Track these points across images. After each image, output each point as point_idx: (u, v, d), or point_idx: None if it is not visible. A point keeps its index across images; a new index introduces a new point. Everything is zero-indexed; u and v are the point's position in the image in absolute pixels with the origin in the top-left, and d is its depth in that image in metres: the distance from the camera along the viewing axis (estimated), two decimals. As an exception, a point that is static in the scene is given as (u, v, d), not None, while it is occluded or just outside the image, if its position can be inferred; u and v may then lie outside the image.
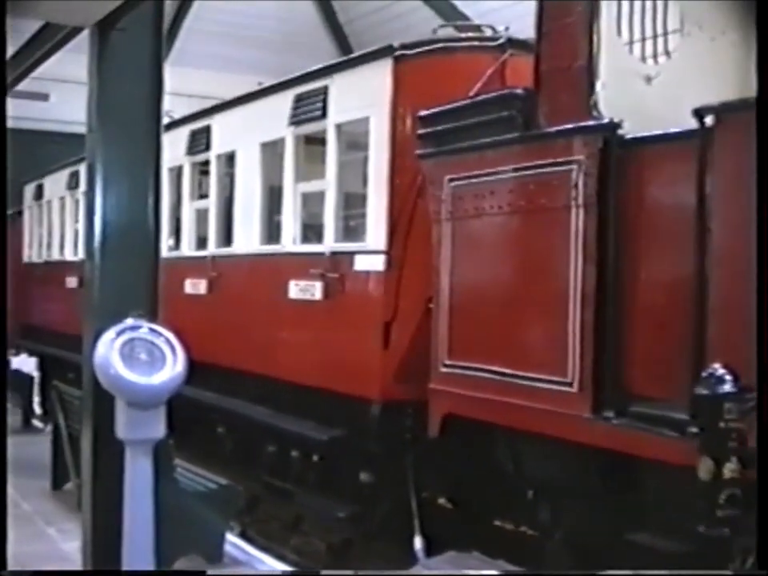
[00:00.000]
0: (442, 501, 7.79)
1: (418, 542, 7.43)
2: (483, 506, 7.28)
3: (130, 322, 5.75)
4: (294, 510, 8.89)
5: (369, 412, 7.38)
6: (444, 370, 6.54)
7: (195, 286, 10.22)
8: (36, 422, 13.64)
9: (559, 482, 6.06)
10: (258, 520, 9.13)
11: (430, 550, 7.44)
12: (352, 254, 7.74)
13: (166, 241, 10.12)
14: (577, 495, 5.96)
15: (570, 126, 5.63)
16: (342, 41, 23.39)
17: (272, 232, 9.17)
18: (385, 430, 7.34)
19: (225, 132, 10.02)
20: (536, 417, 5.73)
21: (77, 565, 6.79)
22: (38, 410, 13.91)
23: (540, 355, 5.82)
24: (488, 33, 8.10)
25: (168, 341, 5.69)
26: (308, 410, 8.23)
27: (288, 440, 8.53)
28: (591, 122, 5.53)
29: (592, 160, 5.44)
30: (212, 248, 10.10)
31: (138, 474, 5.73)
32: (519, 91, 6.20)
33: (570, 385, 5.49)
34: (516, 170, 6.03)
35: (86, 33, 6.67)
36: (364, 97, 7.76)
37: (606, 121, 5.46)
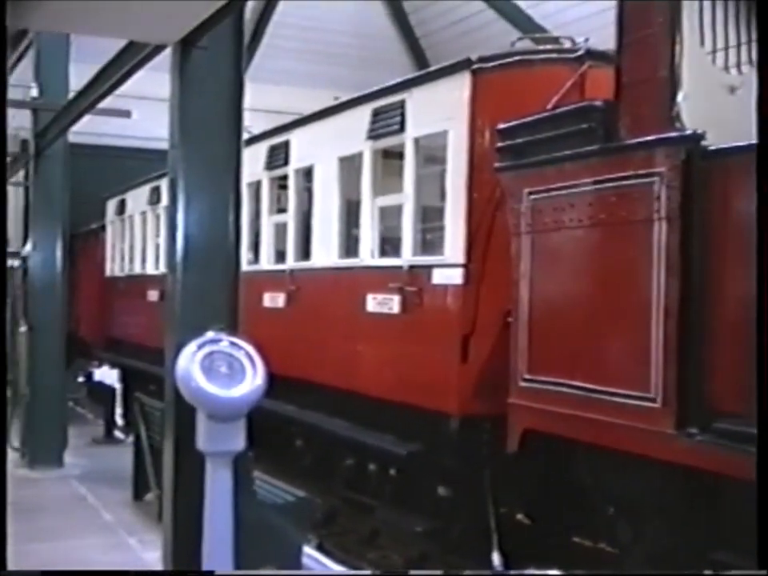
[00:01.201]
0: (520, 516, 7.72)
1: (496, 558, 7.37)
2: (562, 522, 7.19)
3: (210, 335, 5.81)
4: (371, 524, 8.89)
5: (447, 426, 7.36)
6: (523, 384, 6.48)
7: (274, 299, 10.30)
8: (118, 433, 13.86)
9: (640, 499, 5.96)
10: (335, 533, 9.14)
11: (508, 565, 7.37)
12: (430, 267, 7.73)
13: (245, 255, 10.22)
14: (658, 513, 5.86)
15: (651, 137, 5.55)
16: (418, 55, 23.44)
17: (350, 246, 9.21)
18: (463, 444, 7.31)
19: (303, 147, 10.10)
20: (617, 432, 5.65)
21: None
22: (119, 421, 14.12)
23: (622, 370, 5.74)
24: (567, 45, 8.05)
25: (248, 354, 5.74)
26: (385, 423, 8.22)
27: (366, 453, 8.54)
28: (674, 134, 5.45)
29: (675, 172, 5.36)
30: (290, 262, 10.18)
31: (217, 485, 5.78)
32: (599, 103, 6.14)
33: (653, 400, 5.40)
34: (596, 182, 5.96)
35: (167, 51, 6.80)
36: (442, 110, 7.76)
37: (688, 132, 5.37)
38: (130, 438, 11.33)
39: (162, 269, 13.67)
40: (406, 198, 8.14)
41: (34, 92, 12.03)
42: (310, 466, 9.88)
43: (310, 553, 7.77)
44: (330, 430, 9.03)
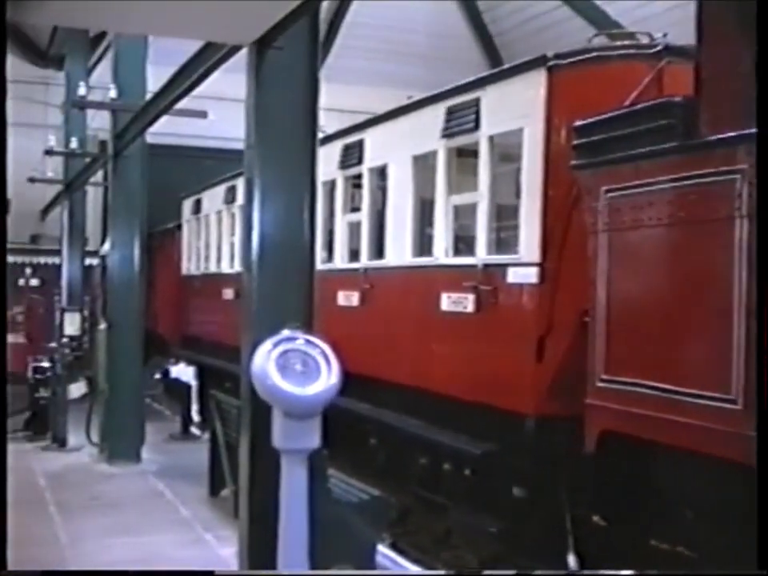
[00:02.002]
0: (596, 518, 7.62)
1: (571, 560, 7.29)
2: (639, 524, 7.09)
3: (286, 333, 5.85)
4: (445, 523, 8.86)
5: (522, 426, 7.30)
6: (601, 384, 6.40)
7: (348, 297, 10.34)
8: (194, 430, 14.04)
9: (719, 503, 5.85)
10: (408, 532, 9.14)
11: (584, 567, 7.29)
12: (505, 266, 7.68)
13: (319, 253, 10.28)
14: (739, 517, 5.74)
15: (733, 134, 5.44)
16: (492, 52, 23.34)
17: (424, 244, 9.20)
18: (538, 444, 7.25)
19: (377, 146, 10.11)
20: (697, 434, 5.55)
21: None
22: (196, 417, 14.30)
23: (702, 371, 5.63)
24: (644, 41, 7.93)
25: (323, 352, 5.77)
26: (460, 422, 8.20)
27: (440, 452, 8.51)
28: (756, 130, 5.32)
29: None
30: (364, 260, 10.20)
31: (293, 483, 5.82)
32: (678, 99, 6.03)
33: (734, 402, 5.29)
34: (676, 180, 5.86)
35: (242, 52, 6.86)
36: (517, 108, 7.70)
37: (772, 128, 5.25)
38: (206, 435, 11.48)
39: (237, 267, 13.83)
40: (481, 197, 8.10)
41: (113, 93, 12.23)
42: (384, 465, 9.89)
43: (384, 551, 7.79)
44: (403, 428, 9.03)
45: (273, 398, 5.75)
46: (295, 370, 5.67)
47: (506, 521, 7.86)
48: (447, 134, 8.53)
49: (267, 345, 5.74)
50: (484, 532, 8.09)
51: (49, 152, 17.23)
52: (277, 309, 6.22)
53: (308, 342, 5.79)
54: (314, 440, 5.82)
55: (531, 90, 7.47)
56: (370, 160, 10.18)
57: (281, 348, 5.71)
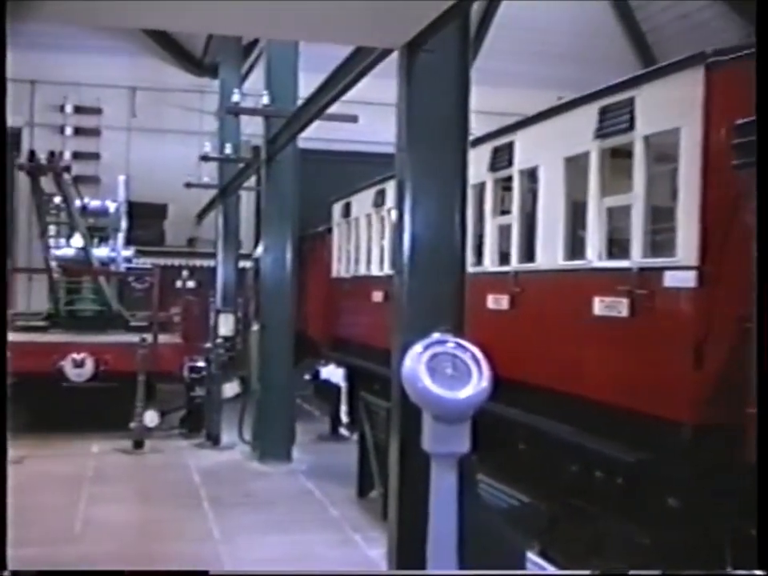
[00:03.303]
0: (754, 532, 7.32)
1: (730, 574, 7.03)
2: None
3: (436, 336, 5.84)
4: (595, 532, 8.68)
5: (679, 434, 7.08)
6: (763, 393, 6.14)
7: (497, 301, 10.25)
8: (343, 431, 14.20)
9: None
10: (558, 540, 8.99)
11: (743, 583, 7.02)
12: (661, 269, 7.47)
13: (469, 256, 10.26)
14: None
15: None
16: (644, 51, 22.82)
17: (576, 247, 9.04)
18: (696, 453, 7.01)
19: (527, 148, 10.00)
20: None
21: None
22: (344, 418, 14.46)
23: None
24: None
25: (473, 356, 5.73)
26: (612, 429, 8.01)
27: (591, 459, 8.34)
28: None
29: None
30: (514, 263, 10.10)
31: (442, 487, 5.80)
32: None
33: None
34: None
35: (392, 56, 6.88)
36: (674, 107, 7.48)
37: None
38: (355, 436, 11.58)
39: (387, 270, 13.92)
40: (636, 198, 7.90)
41: (266, 100, 12.49)
42: (533, 470, 9.76)
43: (533, 559, 7.69)
44: (553, 434, 8.89)
45: (423, 401, 5.75)
46: (446, 374, 5.65)
47: (660, 531, 7.63)
48: (600, 134, 8.36)
49: (418, 347, 5.75)
50: (637, 543, 7.88)
51: (204, 158, 17.76)
52: (427, 312, 6.22)
53: (458, 345, 5.77)
54: (463, 444, 5.79)
55: (689, 88, 7.24)
56: (521, 162, 10.08)
57: (431, 351, 5.70)
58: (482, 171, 10.52)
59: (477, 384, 5.65)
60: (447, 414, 5.69)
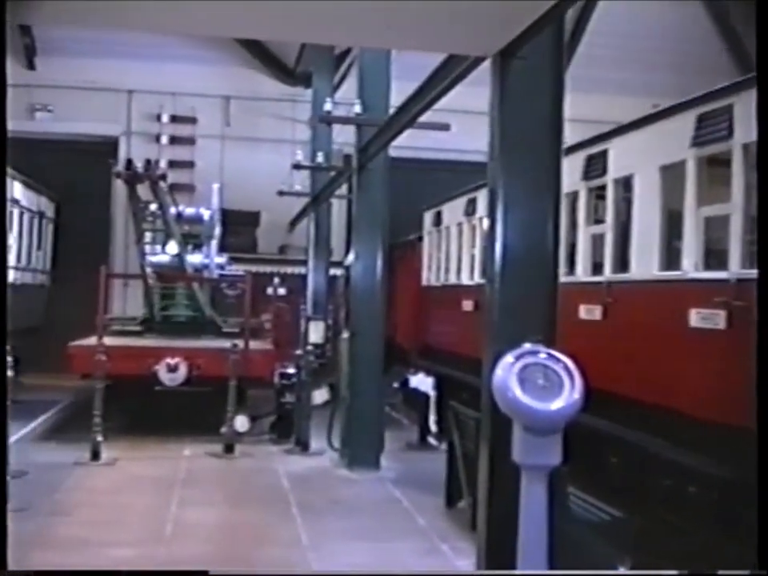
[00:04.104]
0: None
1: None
2: None
3: (527, 346, 5.79)
4: (688, 548, 8.49)
5: (777, 451, 6.88)
6: None
7: (590, 311, 10.12)
8: (431, 440, 14.16)
9: None
10: (649, 554, 8.82)
11: None
12: (761, 281, 7.27)
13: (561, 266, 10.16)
14: None
15: None
16: (742, 57, 22.32)
17: (671, 257, 8.87)
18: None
19: (622, 156, 9.86)
20: None
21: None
22: (433, 427, 14.42)
23: None
24: None
25: (566, 367, 5.66)
26: (707, 443, 7.83)
27: (685, 474, 8.17)
28: None
29: None
30: (607, 273, 9.96)
31: (532, 499, 5.73)
32: None
33: None
34: None
35: (483, 65, 6.86)
36: (775, 114, 7.29)
37: None
38: (443, 445, 11.53)
39: (477, 279, 13.86)
40: (734, 208, 7.72)
41: (358, 108, 12.56)
42: (623, 484, 9.60)
43: (624, 573, 7.55)
44: (645, 447, 8.73)
45: (513, 412, 5.70)
46: (537, 384, 5.59)
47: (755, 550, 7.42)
48: (698, 142, 8.19)
49: (509, 357, 5.70)
50: (731, 561, 7.68)
51: (297, 166, 17.94)
52: (518, 321, 6.18)
53: (550, 356, 5.70)
54: (554, 457, 5.72)
55: (791, 94, 7.04)
56: (615, 171, 9.94)
57: (523, 361, 5.65)
58: (575, 179, 10.40)
59: (569, 396, 5.58)
60: (538, 426, 5.63)
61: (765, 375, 2.95)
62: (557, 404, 5.54)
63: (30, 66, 22.48)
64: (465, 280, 15.30)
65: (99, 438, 12.11)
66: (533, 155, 6.42)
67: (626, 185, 9.83)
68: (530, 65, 6.41)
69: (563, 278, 9.59)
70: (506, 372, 5.63)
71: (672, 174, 8.81)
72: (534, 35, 6.08)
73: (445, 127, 12.32)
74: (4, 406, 5.39)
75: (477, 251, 14.40)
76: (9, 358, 10.01)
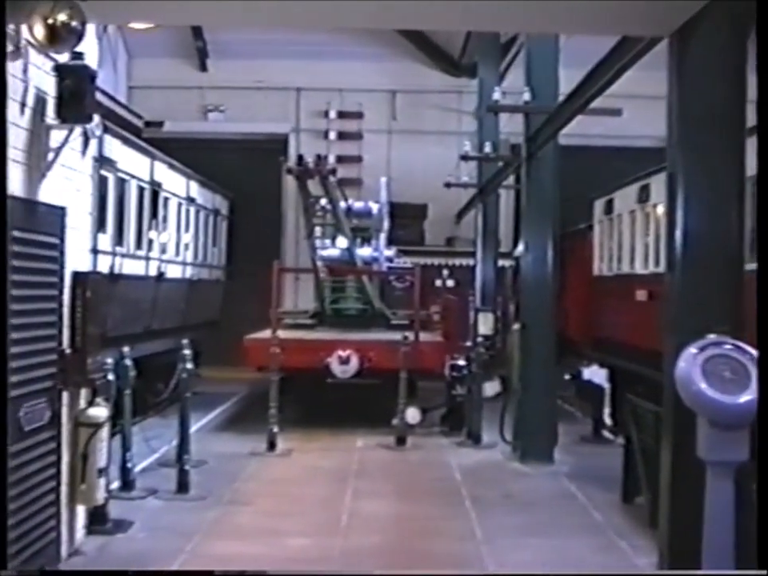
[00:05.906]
0: None
1: None
2: None
3: (712, 337, 5.56)
4: None
5: None
6: None
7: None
8: (606, 433, 13.85)
9: None
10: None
11: None
12: None
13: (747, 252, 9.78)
14: None
15: None
16: None
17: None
18: None
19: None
20: None
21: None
22: (608, 421, 14.10)
23: None
24: None
25: (754, 359, 5.40)
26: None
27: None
28: None
29: None
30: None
31: (718, 496, 5.53)
32: None
33: None
34: None
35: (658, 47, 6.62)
36: None
37: None
38: (618, 439, 11.26)
39: (652, 268, 13.46)
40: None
41: (527, 96, 12.38)
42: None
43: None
44: None
45: (698, 406, 5.49)
46: (723, 377, 5.37)
47: None
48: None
49: (692, 349, 5.50)
50: None
51: (464, 157, 17.87)
52: (701, 311, 5.95)
53: (737, 347, 5.45)
54: (742, 452, 5.49)
55: None
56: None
57: (707, 353, 5.43)
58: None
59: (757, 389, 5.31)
60: (724, 420, 5.40)
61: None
62: (744, 397, 5.30)
63: (203, 68, 23.22)
64: (638, 269, 14.84)
65: (275, 430, 12.38)
66: (714, 139, 6.16)
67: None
68: (709, 44, 6.14)
69: (750, 265, 9.24)
70: (690, 364, 5.43)
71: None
72: (714, 12, 5.83)
73: (617, 112, 12.01)
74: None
75: (650, 239, 13.98)
76: (187, 351, 10.37)
